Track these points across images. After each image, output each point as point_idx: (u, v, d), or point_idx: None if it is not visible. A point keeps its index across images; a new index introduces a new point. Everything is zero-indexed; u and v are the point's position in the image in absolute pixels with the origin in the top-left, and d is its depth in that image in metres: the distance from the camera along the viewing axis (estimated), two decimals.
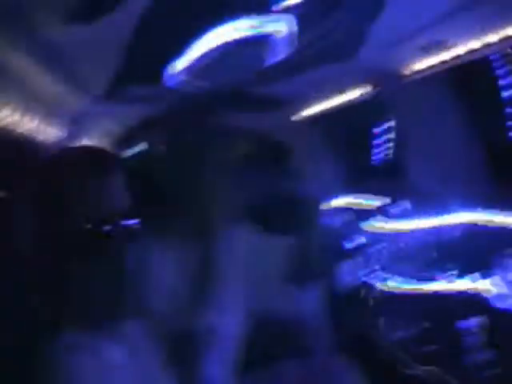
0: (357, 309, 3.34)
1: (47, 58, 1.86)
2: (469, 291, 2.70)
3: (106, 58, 2.23)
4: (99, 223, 1.13)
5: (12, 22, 1.49)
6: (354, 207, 3.84)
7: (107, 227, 1.14)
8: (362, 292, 3.35)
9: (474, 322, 2.54)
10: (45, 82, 2.00)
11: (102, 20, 1.76)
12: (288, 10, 2.69)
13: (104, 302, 1.17)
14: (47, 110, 2.21)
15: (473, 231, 2.74)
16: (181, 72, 2.79)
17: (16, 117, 1.96)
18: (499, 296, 2.51)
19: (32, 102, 2.04)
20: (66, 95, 2.28)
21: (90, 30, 1.79)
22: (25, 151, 2.39)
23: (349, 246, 3.45)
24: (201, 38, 2.56)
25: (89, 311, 1.16)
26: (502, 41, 2.33)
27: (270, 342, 2.57)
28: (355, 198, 3.85)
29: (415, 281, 2.92)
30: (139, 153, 2.93)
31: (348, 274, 3.27)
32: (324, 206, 4.09)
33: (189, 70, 2.76)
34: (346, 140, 4.11)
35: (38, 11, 1.54)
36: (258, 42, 2.65)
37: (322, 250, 3.57)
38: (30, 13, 1.52)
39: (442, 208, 2.86)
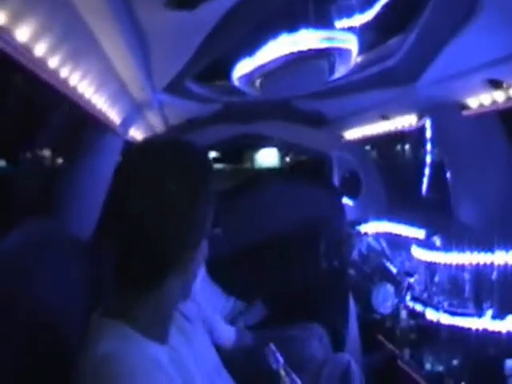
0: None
1: (132, 40, 1.86)
2: (504, 332, 2.65)
3: (180, 51, 2.24)
4: None
5: None
6: (395, 233, 3.82)
7: None
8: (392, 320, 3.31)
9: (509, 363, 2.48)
10: (122, 63, 2.00)
11: (191, 12, 1.76)
12: (351, 28, 2.70)
13: None
14: (116, 90, 2.22)
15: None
16: (242, 77, 2.80)
17: (90, 91, 1.96)
18: None
19: (106, 79, 2.04)
20: (136, 80, 2.28)
21: (174, 20, 1.79)
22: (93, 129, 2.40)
23: (387, 271, 3.41)
24: (267, 45, 2.57)
25: None
26: None
27: None
28: (397, 224, 3.84)
29: (450, 315, 2.87)
30: None
31: (383, 299, 3.23)
32: (365, 229, 4.08)
33: (250, 76, 2.77)
34: (392, 166, 4.10)
35: None
36: (323, 56, 2.65)
37: (360, 272, 3.55)
38: None
39: (483, 245, 2.82)
